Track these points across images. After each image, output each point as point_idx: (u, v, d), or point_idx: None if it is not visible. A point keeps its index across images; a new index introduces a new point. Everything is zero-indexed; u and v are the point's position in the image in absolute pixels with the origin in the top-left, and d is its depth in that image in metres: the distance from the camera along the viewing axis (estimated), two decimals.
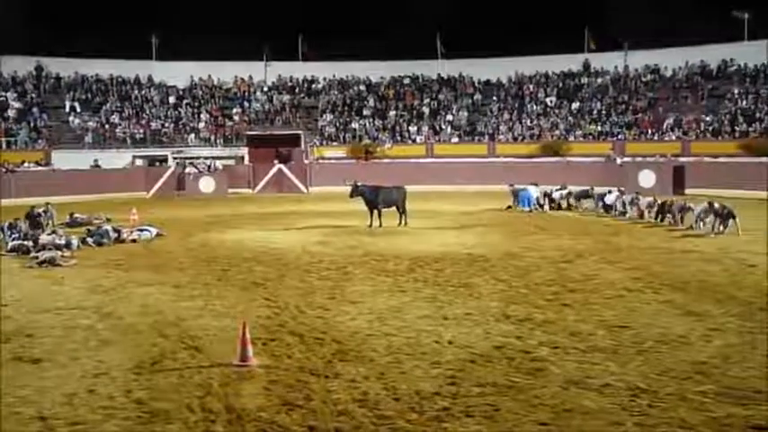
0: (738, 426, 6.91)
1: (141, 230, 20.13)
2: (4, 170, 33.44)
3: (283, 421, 7.13)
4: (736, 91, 39.65)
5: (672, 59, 42.90)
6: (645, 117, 40.65)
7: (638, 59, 44.07)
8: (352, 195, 22.07)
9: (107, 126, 41.68)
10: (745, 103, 38.92)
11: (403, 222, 21.81)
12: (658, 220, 22.03)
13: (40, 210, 21.73)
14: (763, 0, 37.08)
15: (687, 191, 31.07)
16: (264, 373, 8.48)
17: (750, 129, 37.05)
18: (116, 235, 19.40)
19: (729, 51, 41.53)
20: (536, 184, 27.24)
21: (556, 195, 27.03)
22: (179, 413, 7.34)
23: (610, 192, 25.41)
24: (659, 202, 22.62)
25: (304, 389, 7.97)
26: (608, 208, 24.80)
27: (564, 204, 26.73)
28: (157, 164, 39.08)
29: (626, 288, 12.90)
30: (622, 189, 25.70)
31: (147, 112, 43.64)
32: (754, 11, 40.04)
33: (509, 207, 26.61)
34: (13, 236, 18.30)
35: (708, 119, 38.75)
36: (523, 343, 9.60)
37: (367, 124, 44.46)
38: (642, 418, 7.09)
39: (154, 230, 20.28)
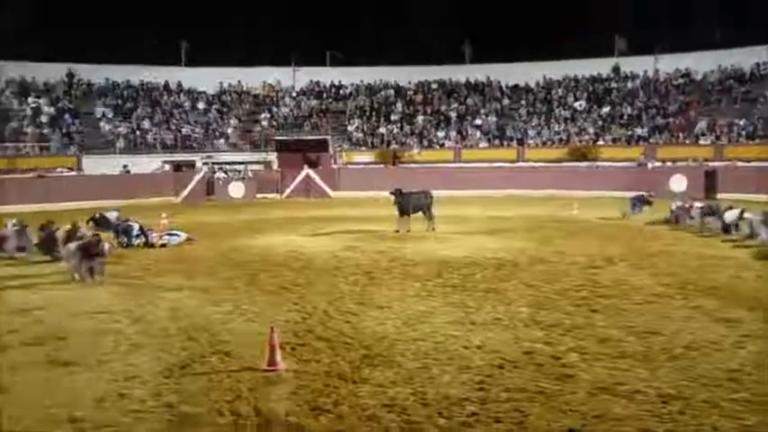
0: None
1: (171, 235, 20.28)
2: (37, 176, 33.90)
3: (311, 426, 7.13)
4: None
5: (703, 63, 42.43)
6: (676, 121, 40.25)
7: (668, 63, 43.63)
8: (396, 202, 22.14)
9: (137, 132, 42.12)
10: None
11: (430, 227, 21.77)
12: None
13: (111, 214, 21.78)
14: None
15: (719, 195, 30.69)
16: (293, 378, 8.49)
17: None
18: (144, 238, 19.58)
19: (763, 54, 40.98)
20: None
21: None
22: (208, 417, 7.37)
23: (731, 208, 20.98)
24: None
25: (332, 394, 7.97)
26: (727, 228, 20.20)
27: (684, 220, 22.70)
28: (184, 169, 39.36)
29: (655, 293, 12.77)
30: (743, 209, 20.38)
31: (177, 117, 44.04)
32: None
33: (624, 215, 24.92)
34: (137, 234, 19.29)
35: (741, 123, 38.26)
36: (552, 348, 9.52)
37: (395, 129, 44.49)
38: (673, 426, 6.99)
39: (183, 235, 20.43)
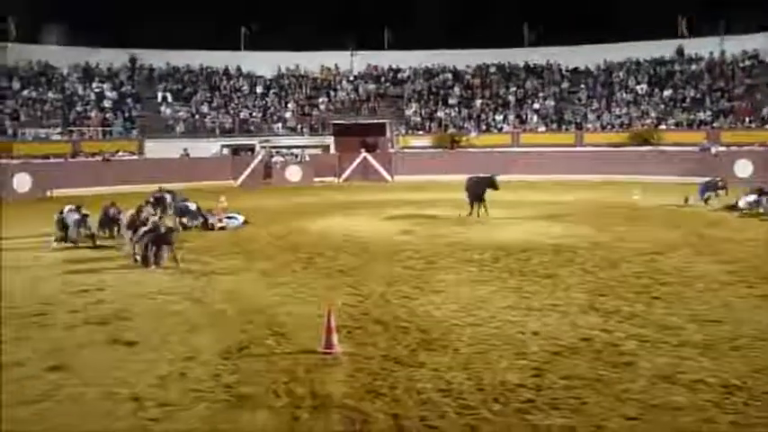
0: None
1: (230, 218, 20.54)
2: (102, 159, 34.67)
3: (368, 409, 7.18)
4: None
5: None
6: (742, 104, 39.14)
7: (735, 45, 42.37)
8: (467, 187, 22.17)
9: (197, 116, 42.70)
10: None
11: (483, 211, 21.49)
12: None
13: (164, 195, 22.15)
14: None
15: None
16: (349, 361, 8.55)
17: None
18: (202, 219, 19.85)
19: None
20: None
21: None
22: (265, 398, 7.48)
23: None
24: None
25: (388, 377, 8.00)
26: None
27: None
28: (242, 153, 39.78)
29: (719, 281, 12.48)
30: None
31: (236, 101, 44.49)
32: None
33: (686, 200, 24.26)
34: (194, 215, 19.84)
35: None
36: (611, 336, 9.40)
37: (452, 113, 44.23)
38: (737, 417, 6.84)
39: (241, 218, 20.67)
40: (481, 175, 22.86)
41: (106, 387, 7.76)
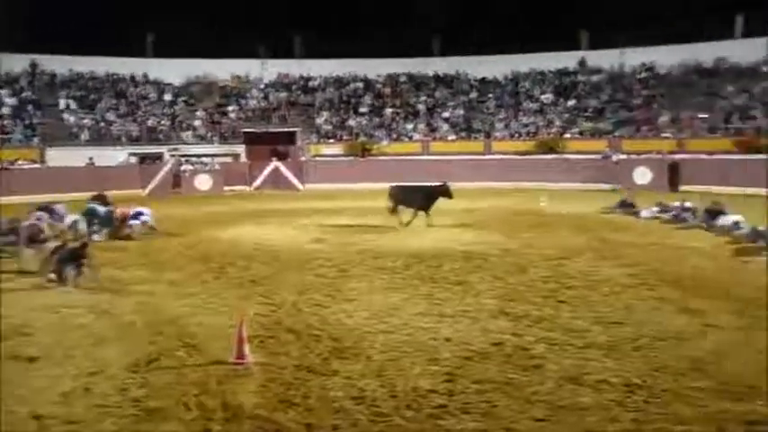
0: (734, 421, 6.92)
1: (136, 215, 19.94)
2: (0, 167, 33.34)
3: (280, 419, 7.13)
4: (730, 88, 39.66)
5: (667, 57, 42.85)
6: (640, 115, 40.66)
7: (633, 57, 44.02)
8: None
9: (102, 123, 41.59)
10: (739, 100, 38.90)
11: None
12: None
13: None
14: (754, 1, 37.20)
15: (682, 188, 31.10)
16: (261, 371, 8.47)
17: (744, 126, 37.04)
18: (108, 228, 19.24)
19: (723, 49, 41.51)
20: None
21: None
22: (175, 411, 7.33)
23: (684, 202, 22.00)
24: None
25: (301, 386, 7.96)
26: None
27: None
28: (148, 161, 38.98)
29: (622, 284, 12.91)
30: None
31: (143, 109, 43.57)
32: (747, 10, 40.20)
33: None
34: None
35: (703, 116, 38.73)
36: (520, 339, 9.60)
37: (363, 122, 44.44)
38: (639, 414, 7.10)
39: (148, 211, 20.17)
40: (422, 184, 22.41)
41: (6, 406, 7.45)
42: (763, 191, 26.42)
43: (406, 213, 21.16)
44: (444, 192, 21.50)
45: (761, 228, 17.10)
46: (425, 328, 10.16)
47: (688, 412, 7.12)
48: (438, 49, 47.50)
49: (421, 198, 21.33)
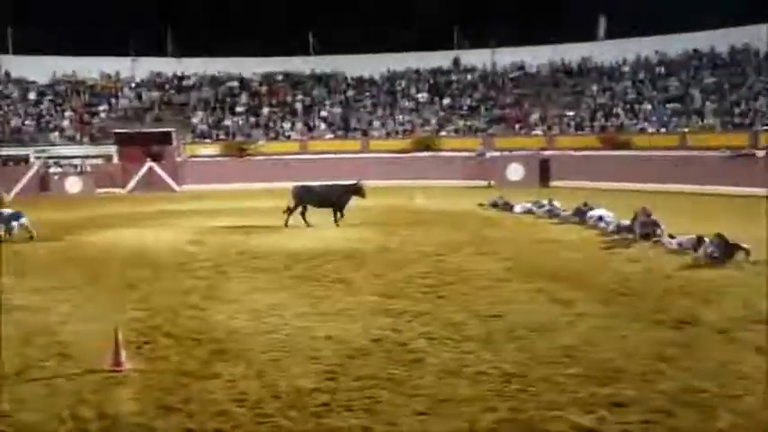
0: (601, 404, 7.27)
1: (17, 216, 19.04)
2: None
3: (160, 425, 6.98)
4: (594, 88, 41.57)
5: (537, 57, 44.39)
6: (512, 113, 41.97)
7: (504, 57, 45.35)
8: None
9: None
10: (603, 99, 40.82)
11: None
12: None
13: None
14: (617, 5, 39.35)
15: (552, 183, 32.38)
16: (139, 378, 8.27)
17: (608, 123, 38.89)
18: None
19: (588, 50, 43.47)
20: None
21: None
22: (49, 424, 7.05)
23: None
24: None
25: (181, 391, 7.82)
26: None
27: None
28: (11, 164, 37.22)
29: (498, 278, 13.33)
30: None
31: (5, 109, 41.48)
32: (609, 14, 42.43)
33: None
34: None
35: (570, 114, 40.40)
36: (400, 335, 9.76)
37: (240, 121, 43.88)
38: (515, 403, 7.36)
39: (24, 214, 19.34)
40: (335, 182, 22.06)
41: None
42: (627, 185, 27.92)
43: (311, 214, 20.99)
44: (357, 190, 21.36)
45: (625, 222, 18.13)
46: (306, 328, 10.18)
47: (560, 398, 7.44)
48: (314, 48, 47.42)
49: (335, 197, 21.15)
